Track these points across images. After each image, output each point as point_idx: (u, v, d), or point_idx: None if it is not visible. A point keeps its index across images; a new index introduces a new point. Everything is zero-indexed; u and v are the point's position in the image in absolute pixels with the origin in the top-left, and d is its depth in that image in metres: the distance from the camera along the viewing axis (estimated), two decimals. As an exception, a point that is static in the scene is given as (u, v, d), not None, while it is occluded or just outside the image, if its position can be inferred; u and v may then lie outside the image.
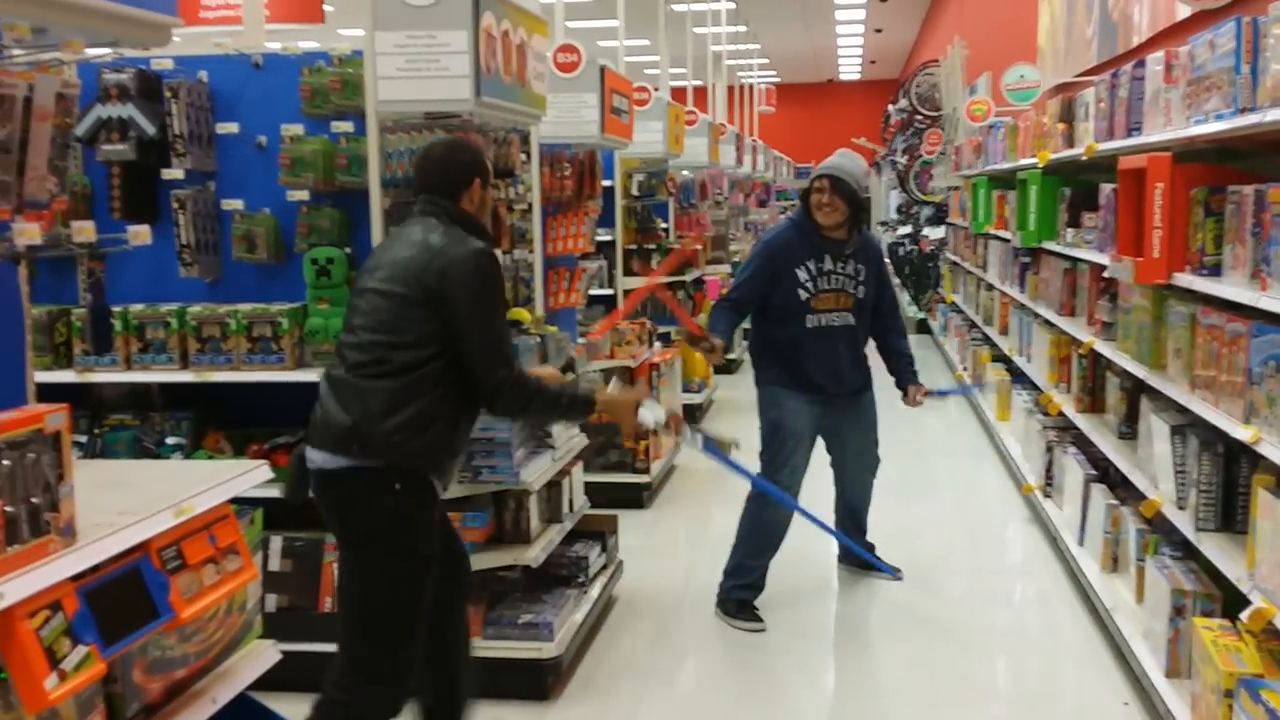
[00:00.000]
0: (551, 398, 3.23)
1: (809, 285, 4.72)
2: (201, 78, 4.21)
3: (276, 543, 4.08)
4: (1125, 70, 4.53)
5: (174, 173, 4.16)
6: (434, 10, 3.81)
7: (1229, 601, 3.51)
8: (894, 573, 5.25)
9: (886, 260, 5.14)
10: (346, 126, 4.12)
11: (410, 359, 2.99)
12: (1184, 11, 5.05)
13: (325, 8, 12.93)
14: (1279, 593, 2.93)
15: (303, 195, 4.12)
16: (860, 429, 5.02)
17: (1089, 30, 7.31)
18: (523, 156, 4.93)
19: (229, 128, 4.22)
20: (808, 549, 5.46)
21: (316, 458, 2.99)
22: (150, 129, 4.07)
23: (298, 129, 4.16)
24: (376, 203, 3.94)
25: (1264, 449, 3.02)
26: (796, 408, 4.78)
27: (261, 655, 2.44)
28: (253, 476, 2.38)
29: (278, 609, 4.04)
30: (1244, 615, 3.05)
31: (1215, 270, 3.55)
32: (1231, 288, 3.28)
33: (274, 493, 3.14)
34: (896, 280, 13.55)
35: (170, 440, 4.18)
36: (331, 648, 3.94)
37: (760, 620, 4.75)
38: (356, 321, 3.09)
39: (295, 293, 4.12)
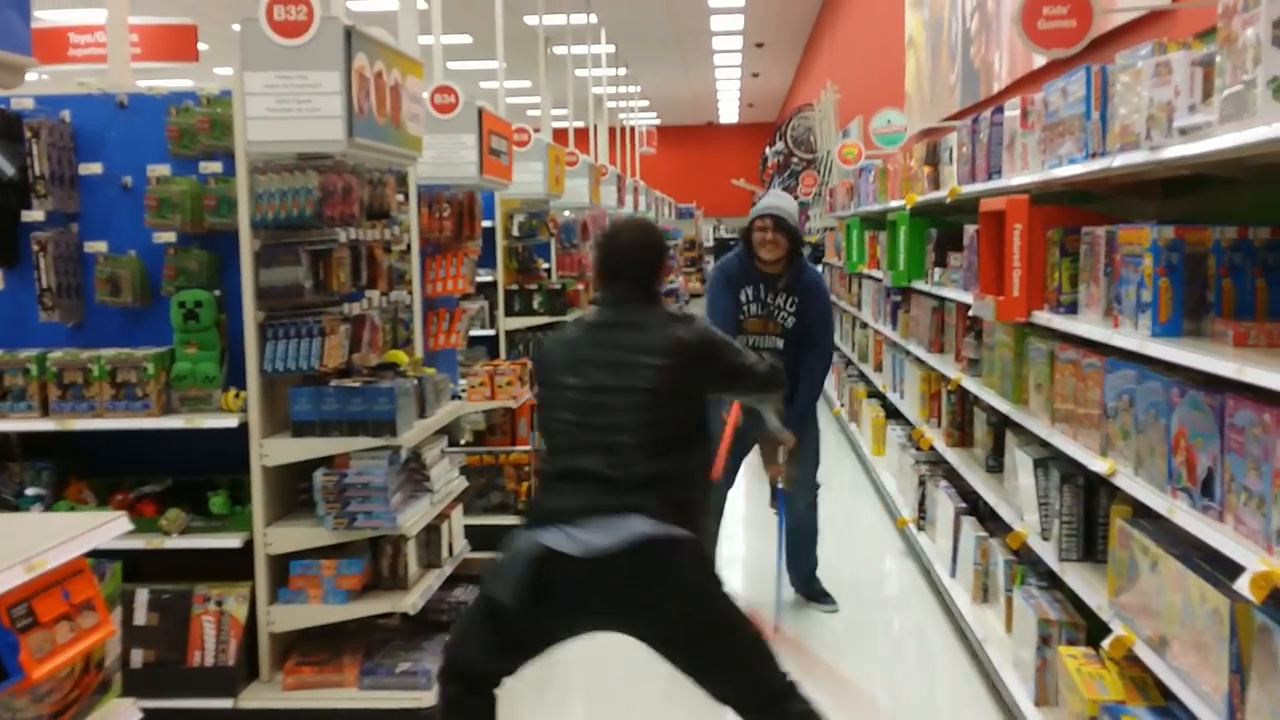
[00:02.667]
0: None
1: (745, 308, 5.11)
2: (64, 117, 4.10)
3: (142, 595, 3.95)
4: (985, 116, 4.70)
5: (35, 214, 4.04)
6: (305, 51, 3.77)
7: (1093, 630, 3.62)
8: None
9: (825, 288, 5.37)
10: (215, 167, 4.05)
11: None
12: (1040, 60, 5.26)
13: (200, 46, 12.74)
14: (1139, 620, 3.04)
15: (170, 237, 4.04)
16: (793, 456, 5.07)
17: (952, 77, 7.57)
18: (400, 197, 4.91)
19: (92, 168, 4.12)
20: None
21: None
22: (9, 169, 3.95)
23: (164, 169, 4.08)
24: (246, 244, 3.87)
25: (1120, 481, 3.13)
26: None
27: (121, 715, 2.35)
28: (111, 529, 2.30)
29: (144, 664, 3.91)
30: (1105, 643, 3.15)
31: (1072, 308, 3.68)
32: (1086, 325, 3.40)
33: (130, 544, 3.04)
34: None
35: (30, 491, 4.03)
36: (202, 704, 3.85)
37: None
38: None
39: (162, 337, 4.02)
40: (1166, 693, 2.90)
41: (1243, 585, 2.29)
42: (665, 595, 2.86)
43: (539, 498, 3.19)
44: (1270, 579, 2.22)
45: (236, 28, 3.89)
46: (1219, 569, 2.57)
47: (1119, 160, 3.13)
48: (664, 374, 3.05)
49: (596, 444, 3.01)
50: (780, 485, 5.05)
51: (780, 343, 5.12)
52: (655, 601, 2.86)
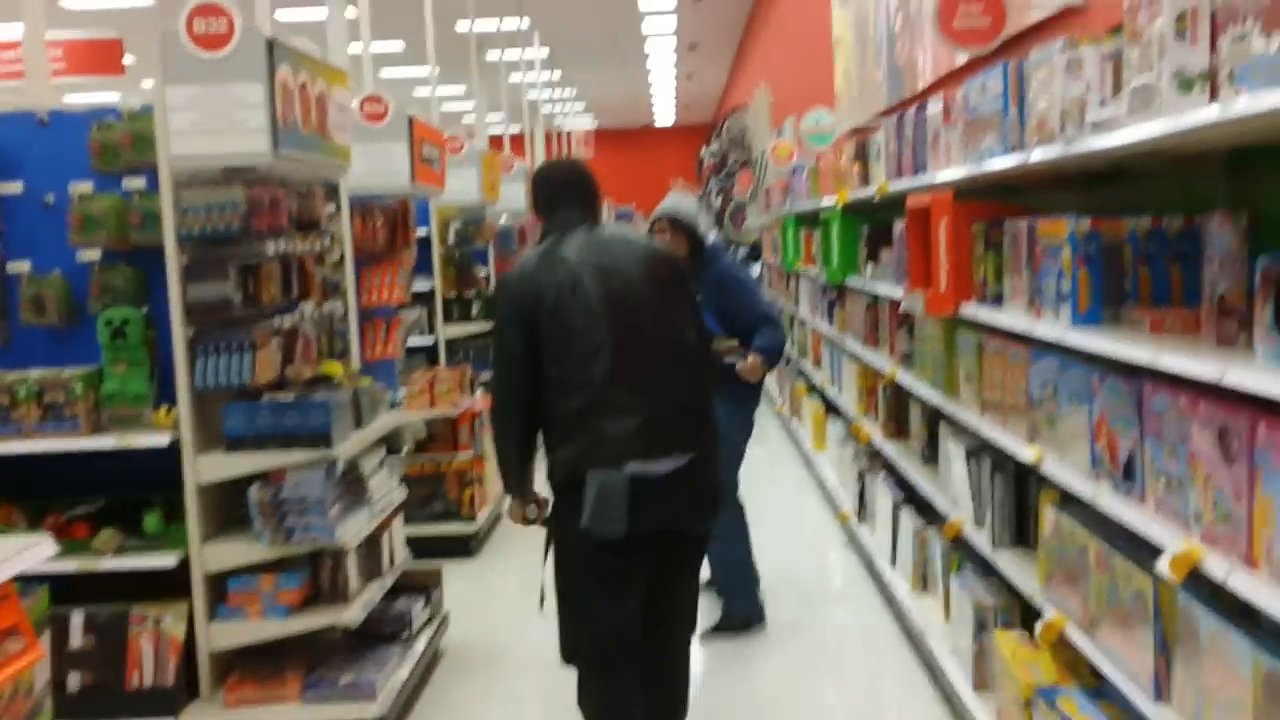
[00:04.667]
0: (497, 458, 3.43)
1: None
2: (-19, 136, 4.04)
3: (77, 618, 3.90)
4: (909, 113, 4.76)
5: (-47, 235, 3.97)
6: (227, 63, 3.75)
7: (1027, 614, 3.68)
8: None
9: (737, 275, 5.16)
10: (139, 183, 4.01)
11: None
12: (962, 58, 5.34)
13: (128, 60, 12.56)
14: (1069, 603, 3.10)
15: (94, 255, 4.00)
16: None
17: (879, 75, 7.65)
18: (331, 208, 4.88)
19: (12, 187, 4.07)
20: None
21: None
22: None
23: (87, 187, 4.03)
24: (173, 260, 3.83)
25: (1047, 467, 3.20)
26: None
27: (55, 739, 2.33)
28: (36, 553, 2.27)
29: (81, 688, 3.86)
30: (1038, 627, 3.21)
31: (997, 300, 3.74)
32: (1010, 316, 3.46)
33: (63, 567, 2.99)
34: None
35: (-43, 516, 3.96)
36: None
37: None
38: None
39: (90, 356, 3.97)
40: (1098, 674, 2.96)
41: (1163, 566, 2.34)
42: (715, 493, 3.37)
43: (585, 439, 3.20)
44: (1188, 559, 2.28)
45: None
46: (1143, 551, 2.63)
47: (1036, 154, 3.19)
48: (679, 299, 3.37)
49: (643, 377, 3.21)
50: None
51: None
52: (706, 495, 3.35)
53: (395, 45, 17.97)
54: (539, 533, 3.49)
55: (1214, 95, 2.30)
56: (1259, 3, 2.12)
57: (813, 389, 8.74)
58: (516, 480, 3.43)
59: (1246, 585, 2.09)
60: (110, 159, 4.02)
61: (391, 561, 4.55)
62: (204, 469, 3.91)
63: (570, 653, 3.40)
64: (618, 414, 3.16)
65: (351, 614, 4.04)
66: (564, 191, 3.48)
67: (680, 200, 5.16)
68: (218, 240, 3.88)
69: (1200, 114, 2.22)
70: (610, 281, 3.24)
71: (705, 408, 3.36)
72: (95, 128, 4.03)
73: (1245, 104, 2.04)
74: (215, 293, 3.86)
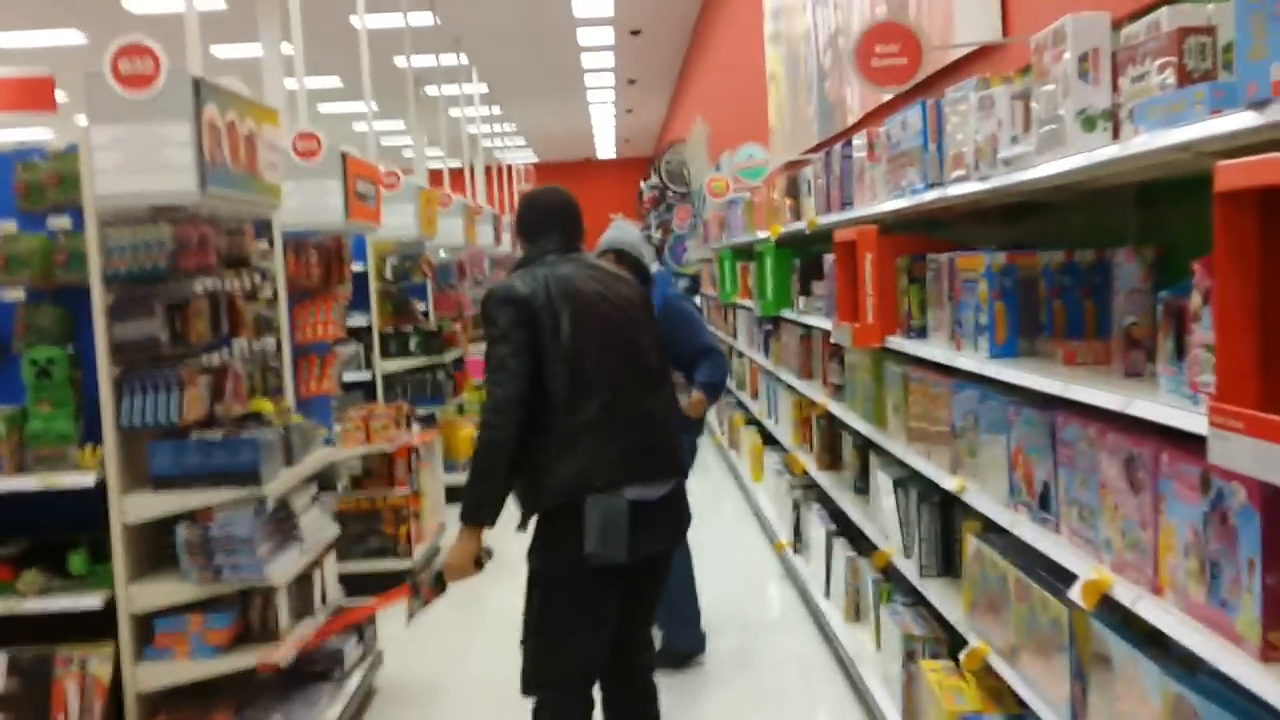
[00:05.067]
0: (476, 475, 3.27)
1: None
2: (-97, 175, 3.99)
3: (0, 660, 3.82)
4: (836, 149, 4.85)
5: (-128, 275, 3.91)
6: (153, 103, 3.73)
7: (954, 643, 3.73)
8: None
9: (682, 306, 5.16)
10: (64, 222, 3.96)
11: None
12: (888, 94, 5.45)
13: (60, 97, 12.43)
14: (992, 632, 3.15)
15: (18, 294, 3.94)
16: None
17: (810, 111, 7.77)
18: (264, 245, 4.87)
19: (-65, 226, 4.01)
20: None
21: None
22: None
23: (11, 226, 3.98)
24: (99, 299, 3.80)
25: (968, 497, 3.25)
26: None
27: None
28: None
29: (3, 734, 3.79)
30: (962, 655, 3.26)
31: (921, 332, 3.81)
32: (932, 348, 3.53)
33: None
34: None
35: (-125, 561, 3.88)
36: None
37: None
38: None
39: (13, 395, 3.92)
40: (1021, 701, 3.00)
41: (1075, 593, 2.40)
42: (688, 518, 3.52)
43: (584, 460, 3.21)
44: (1099, 586, 2.34)
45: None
46: (1061, 580, 2.69)
47: (952, 190, 3.26)
48: (649, 326, 3.49)
49: (632, 404, 3.30)
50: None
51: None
52: (684, 519, 3.50)
53: (332, 81, 17.96)
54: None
55: (1116, 133, 2.38)
56: (1157, 44, 2.21)
57: (750, 420, 8.81)
58: (490, 504, 3.24)
59: (1153, 611, 2.15)
60: (35, 198, 3.98)
61: (324, 599, 4.51)
62: (130, 508, 3.86)
63: (538, 684, 3.33)
64: (612, 437, 3.22)
65: (282, 652, 4.00)
66: (548, 220, 3.54)
67: (625, 231, 5.16)
68: (144, 279, 3.86)
69: (1103, 152, 2.30)
70: (593, 308, 3.32)
71: (678, 433, 3.50)
72: (20, 167, 3.99)
73: (1142, 142, 2.11)
74: (142, 331, 3.83)
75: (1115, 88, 2.40)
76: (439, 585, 3.43)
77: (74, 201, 3.90)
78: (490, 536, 3.33)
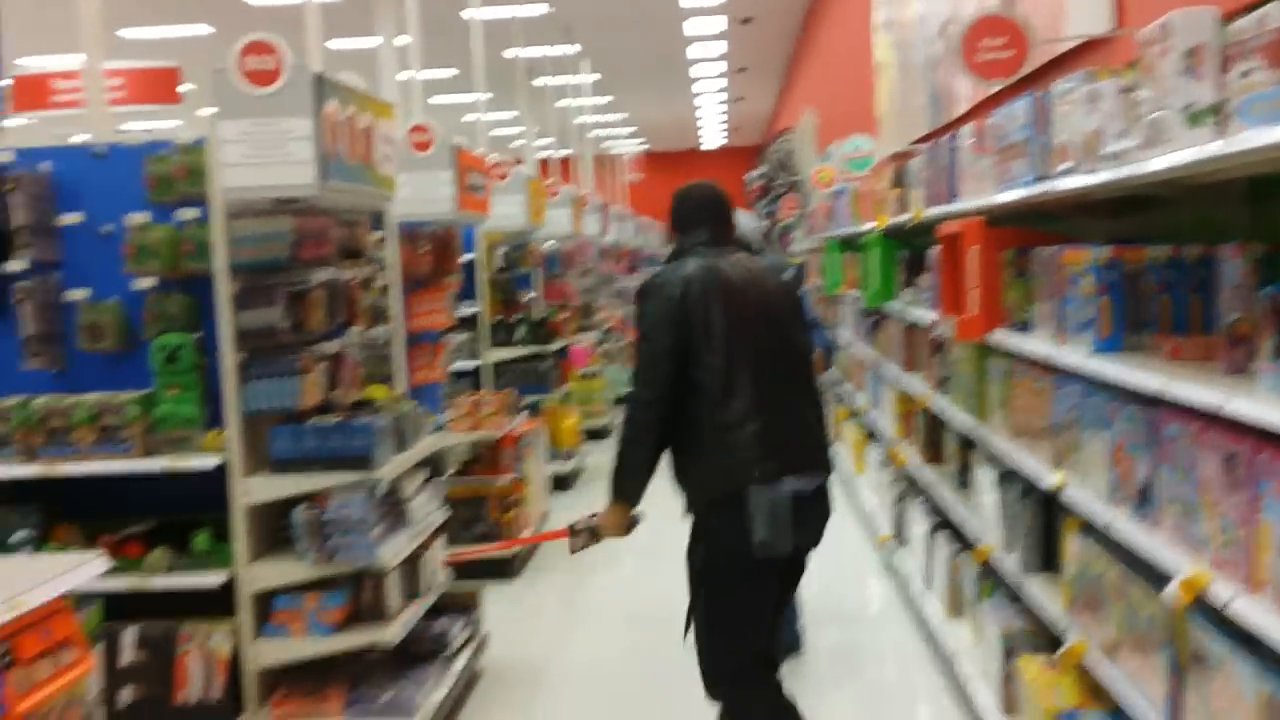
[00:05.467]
0: (619, 466, 3.39)
1: None
2: (43, 169, 4.21)
3: (129, 634, 4.03)
4: (943, 141, 4.82)
5: (16, 265, 4.15)
6: (276, 98, 3.89)
7: (1053, 640, 3.71)
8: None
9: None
10: (192, 213, 4.16)
11: None
12: (995, 86, 5.39)
13: (187, 88, 12.91)
14: (1091, 628, 3.13)
15: (149, 283, 4.15)
16: None
17: (920, 100, 7.71)
18: (378, 235, 5.02)
19: (72, 218, 4.23)
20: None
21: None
22: (-11, 223, 4.07)
23: (143, 217, 4.18)
24: (223, 288, 3.97)
25: (1069, 493, 3.24)
26: None
27: (104, 748, 2.45)
28: (89, 569, 2.40)
29: (131, 702, 3.99)
30: (1060, 652, 3.25)
31: (1026, 327, 3.78)
32: (1035, 343, 3.51)
33: (116, 584, 3.10)
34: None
35: (17, 535, 4.11)
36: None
37: None
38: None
39: (143, 380, 4.12)
40: (1118, 698, 2.98)
41: (1172, 590, 2.39)
42: (831, 509, 3.52)
43: (742, 453, 3.25)
44: (1196, 583, 2.33)
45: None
46: (1160, 578, 2.67)
47: (1058, 183, 3.24)
48: (797, 319, 3.53)
49: (783, 397, 3.34)
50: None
51: None
52: (829, 513, 3.50)
53: (447, 73, 18.25)
54: (578, 556, 3.54)
55: (1223, 129, 2.36)
56: (1264, 40, 2.18)
57: (854, 413, 8.77)
58: (634, 488, 3.38)
59: (1249, 609, 2.13)
60: (164, 190, 4.18)
61: (431, 582, 4.65)
62: (251, 490, 4.04)
63: (723, 678, 3.35)
64: (766, 429, 3.25)
65: (392, 633, 4.15)
66: (700, 213, 3.59)
67: (744, 220, 5.24)
68: (266, 269, 4.02)
69: (1206, 148, 2.28)
70: (743, 301, 3.35)
71: (826, 427, 3.55)
72: (150, 160, 4.19)
73: (1247, 138, 2.09)
74: (264, 319, 4.00)
75: (1222, 83, 2.38)
76: (595, 537, 3.53)
77: (201, 194, 4.08)
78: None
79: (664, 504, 3.50)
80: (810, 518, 3.35)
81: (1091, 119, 3.03)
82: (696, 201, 3.63)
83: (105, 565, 2.47)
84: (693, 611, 3.38)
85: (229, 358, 4.00)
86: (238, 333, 4.01)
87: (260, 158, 3.92)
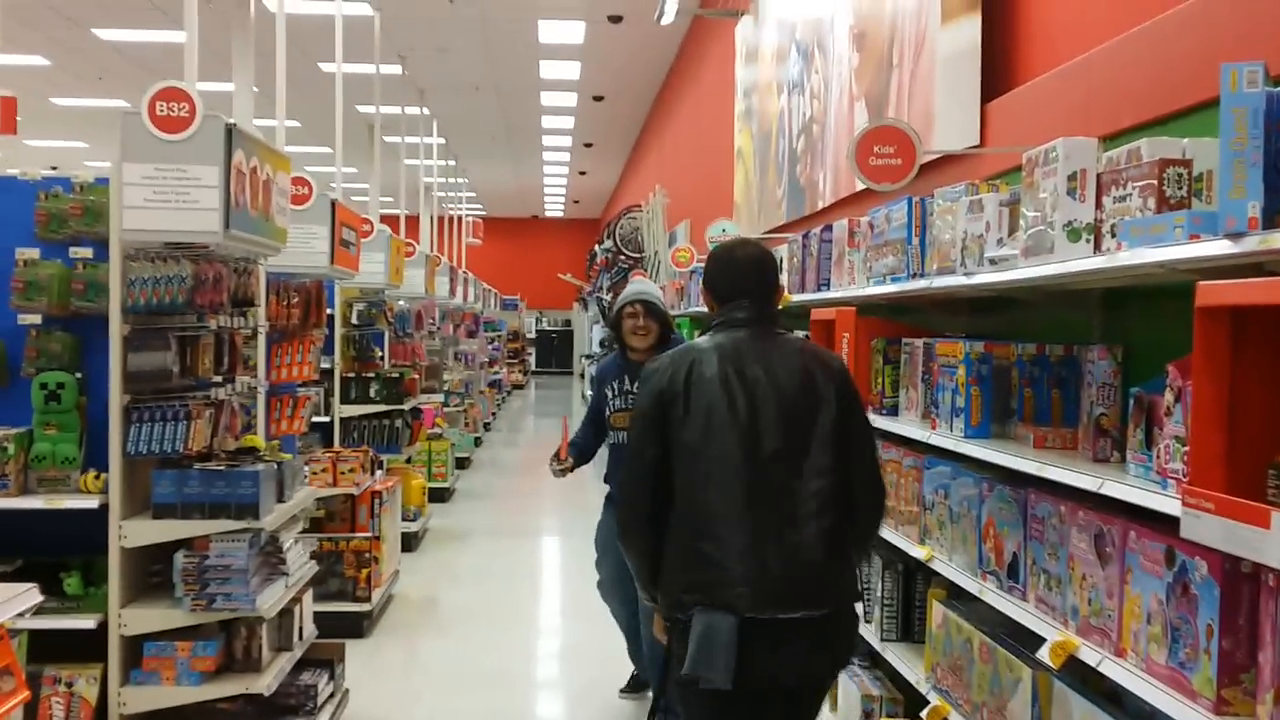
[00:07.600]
0: (628, 556, 3.09)
1: (611, 403, 5.06)
2: (-74, 198, 4.12)
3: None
4: (815, 232, 5.15)
5: (-109, 292, 4.03)
6: (186, 145, 3.93)
7: (911, 704, 3.97)
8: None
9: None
10: (85, 252, 4.13)
11: None
12: (886, 190, 5.78)
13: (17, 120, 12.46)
14: (953, 692, 3.40)
15: (35, 319, 4.09)
16: None
17: (779, 191, 8.12)
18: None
19: (-45, 249, 4.14)
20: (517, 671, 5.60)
21: None
22: None
23: (33, 253, 4.13)
24: (116, 329, 3.95)
25: (937, 565, 3.51)
26: (605, 519, 5.15)
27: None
28: (24, 599, 2.39)
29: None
30: (924, 714, 3.50)
31: (894, 410, 4.09)
32: (907, 426, 3.80)
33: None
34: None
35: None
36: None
37: None
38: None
39: (21, 417, 4.04)
40: (977, 757, 3.24)
41: (1043, 653, 2.65)
42: (846, 642, 3.05)
43: (697, 574, 2.89)
44: (1066, 646, 2.60)
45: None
46: (1023, 644, 2.95)
47: (937, 282, 3.56)
48: (817, 419, 2.96)
49: (767, 511, 2.89)
50: None
51: None
52: (841, 646, 3.03)
53: (292, 124, 18.10)
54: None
55: (1098, 245, 2.68)
56: (1140, 171, 2.51)
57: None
58: (647, 581, 3.06)
59: (1117, 671, 2.41)
60: (56, 227, 4.14)
61: (301, 634, 4.64)
62: (130, 533, 3.99)
63: None
64: (734, 550, 2.85)
65: (265, 683, 4.13)
66: (741, 280, 3.11)
67: (652, 285, 5.36)
68: (161, 312, 4.02)
69: (1088, 262, 2.59)
70: (739, 399, 2.92)
71: (840, 558, 2.97)
72: (43, 196, 4.15)
73: (1128, 256, 2.40)
74: (155, 362, 3.99)
75: (1099, 204, 2.70)
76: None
77: (95, 233, 4.07)
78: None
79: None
80: (785, 649, 2.85)
81: (973, 226, 3.35)
82: (737, 267, 3.14)
83: (38, 597, 2.47)
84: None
85: (116, 399, 3.97)
86: (127, 374, 3.98)
87: (164, 202, 3.96)
